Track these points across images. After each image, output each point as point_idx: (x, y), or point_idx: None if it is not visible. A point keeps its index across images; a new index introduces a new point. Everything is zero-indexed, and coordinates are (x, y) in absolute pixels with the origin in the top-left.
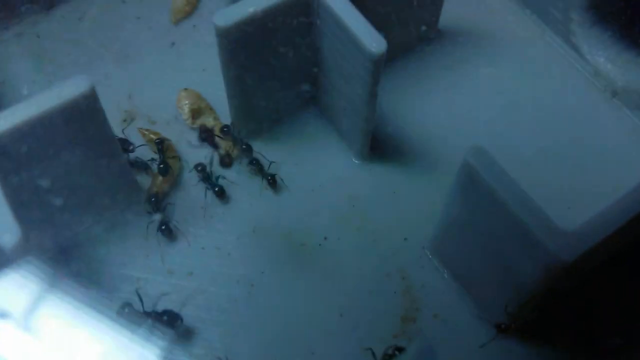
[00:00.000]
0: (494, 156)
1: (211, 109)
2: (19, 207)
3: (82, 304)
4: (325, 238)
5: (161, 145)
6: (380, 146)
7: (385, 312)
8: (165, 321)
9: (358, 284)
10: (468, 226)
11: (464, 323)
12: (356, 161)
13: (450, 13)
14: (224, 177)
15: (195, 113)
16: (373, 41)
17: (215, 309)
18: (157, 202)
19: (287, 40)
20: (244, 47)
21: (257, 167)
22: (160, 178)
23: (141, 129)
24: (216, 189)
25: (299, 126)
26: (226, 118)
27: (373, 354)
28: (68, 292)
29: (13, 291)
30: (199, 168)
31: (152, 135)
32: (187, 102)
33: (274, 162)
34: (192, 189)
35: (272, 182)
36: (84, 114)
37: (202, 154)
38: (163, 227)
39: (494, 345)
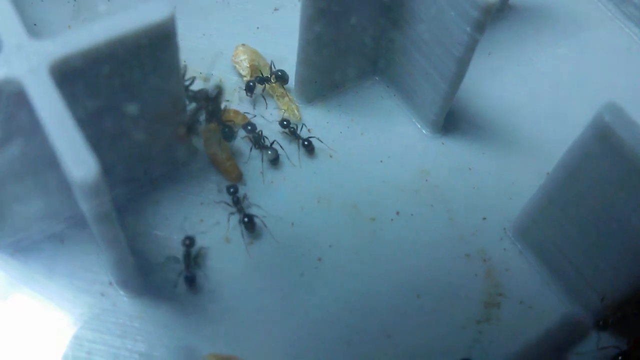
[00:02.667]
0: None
1: (270, 67)
2: (94, 139)
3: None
4: (398, 213)
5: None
6: (452, 119)
7: (466, 295)
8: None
9: (436, 264)
10: (577, 202)
11: (554, 312)
12: (426, 132)
13: None
14: (281, 147)
15: (253, 70)
16: None
17: (278, 284)
18: (237, 199)
19: None
20: (328, 5)
21: (289, 130)
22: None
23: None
24: (269, 152)
25: (363, 94)
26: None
27: None
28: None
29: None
30: (248, 127)
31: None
32: (244, 57)
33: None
34: (250, 153)
35: (309, 146)
36: (165, 39)
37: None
38: (246, 220)
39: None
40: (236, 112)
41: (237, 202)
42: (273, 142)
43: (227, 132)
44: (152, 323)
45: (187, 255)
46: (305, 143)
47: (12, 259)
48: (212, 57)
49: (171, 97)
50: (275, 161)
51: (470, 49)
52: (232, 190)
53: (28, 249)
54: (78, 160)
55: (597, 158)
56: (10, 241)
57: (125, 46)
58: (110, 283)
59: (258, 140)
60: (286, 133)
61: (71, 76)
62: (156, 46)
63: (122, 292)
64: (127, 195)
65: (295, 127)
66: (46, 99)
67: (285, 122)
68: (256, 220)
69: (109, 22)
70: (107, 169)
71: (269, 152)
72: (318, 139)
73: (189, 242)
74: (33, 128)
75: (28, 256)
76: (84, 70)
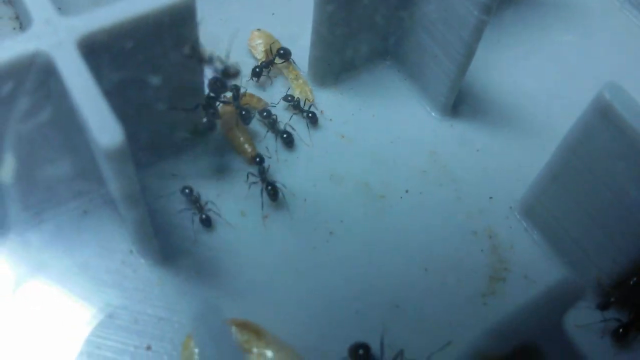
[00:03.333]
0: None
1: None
2: (119, 108)
3: (73, 287)
4: (407, 191)
5: (237, 92)
6: (461, 103)
7: (472, 270)
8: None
9: (443, 240)
10: (579, 179)
11: (557, 286)
12: (436, 115)
13: None
14: (293, 129)
15: (269, 54)
16: None
17: (292, 256)
18: (263, 169)
19: None
20: None
21: (268, 120)
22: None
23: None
24: (284, 136)
25: (375, 77)
26: (298, 61)
27: None
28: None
29: (7, 271)
30: (264, 114)
31: None
32: (260, 41)
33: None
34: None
35: (313, 118)
36: (185, 17)
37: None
38: (269, 188)
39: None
40: (252, 96)
41: (262, 172)
42: (286, 129)
43: (245, 116)
44: (171, 289)
45: (196, 200)
46: (310, 115)
47: (37, 229)
48: (229, 40)
49: (190, 71)
50: (289, 144)
51: (477, 32)
52: (258, 160)
53: (53, 219)
54: (104, 127)
55: (598, 134)
56: (36, 211)
57: (148, 24)
58: (131, 251)
59: (273, 125)
60: (291, 108)
61: (97, 50)
62: (177, 24)
63: (142, 260)
64: (148, 166)
65: (298, 101)
66: (74, 71)
67: (289, 97)
68: (279, 187)
69: (133, 1)
70: (130, 137)
71: (285, 136)
72: (321, 112)
73: (189, 190)
74: (61, 98)
75: (53, 226)
76: (109, 45)
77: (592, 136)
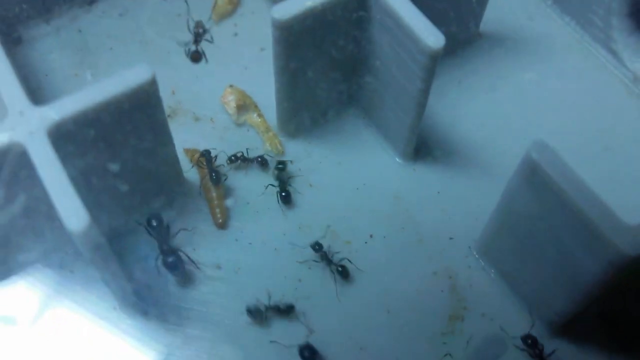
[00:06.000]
0: (556, 152)
1: (256, 105)
2: (85, 192)
3: (87, 311)
4: (371, 236)
5: (209, 156)
6: (423, 147)
7: (433, 310)
8: (165, 263)
9: (405, 282)
10: (524, 223)
11: (512, 322)
12: (399, 161)
13: (490, 18)
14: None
15: (240, 109)
16: (431, 35)
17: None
18: None
19: (343, 34)
20: (299, 41)
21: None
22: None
23: (186, 149)
24: (283, 194)
25: (341, 125)
26: (268, 115)
27: None
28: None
29: (20, 297)
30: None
31: (195, 155)
32: (232, 97)
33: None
34: (240, 184)
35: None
36: (147, 101)
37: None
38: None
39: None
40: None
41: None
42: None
43: (214, 178)
44: (150, 341)
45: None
46: (259, 159)
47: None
48: (202, 97)
49: (155, 151)
50: (264, 164)
51: (424, 90)
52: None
53: (40, 278)
54: (71, 212)
55: (527, 192)
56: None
57: (109, 111)
58: (114, 308)
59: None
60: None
61: (65, 138)
62: (139, 107)
63: (125, 315)
64: (124, 229)
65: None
66: (45, 160)
67: (232, 157)
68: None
69: (95, 88)
70: (106, 210)
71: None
72: (291, 161)
73: (156, 221)
74: (32, 186)
75: (39, 284)
76: (74, 133)
77: (527, 190)
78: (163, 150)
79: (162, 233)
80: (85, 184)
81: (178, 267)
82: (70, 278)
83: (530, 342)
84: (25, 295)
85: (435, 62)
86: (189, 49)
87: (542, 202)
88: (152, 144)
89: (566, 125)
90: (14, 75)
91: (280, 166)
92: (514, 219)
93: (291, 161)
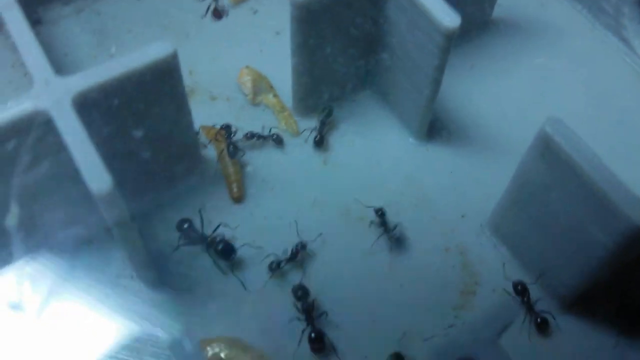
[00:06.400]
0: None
1: (271, 86)
2: (108, 158)
3: (93, 298)
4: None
5: (229, 129)
6: (437, 128)
7: (444, 285)
8: (220, 250)
9: (417, 257)
10: (536, 198)
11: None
12: (412, 141)
13: (503, 3)
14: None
15: (256, 89)
16: (447, 15)
17: (279, 276)
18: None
19: (360, 12)
20: (317, 19)
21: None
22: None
23: (203, 127)
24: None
25: (355, 105)
26: (283, 95)
27: None
28: (80, 286)
29: (27, 284)
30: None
31: (212, 132)
32: (248, 78)
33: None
34: (255, 160)
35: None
36: (168, 73)
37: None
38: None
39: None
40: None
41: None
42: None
43: (232, 150)
44: (167, 311)
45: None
46: (274, 137)
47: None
48: (219, 77)
49: (175, 121)
50: (279, 141)
51: (439, 69)
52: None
53: (60, 251)
54: (96, 176)
55: (542, 167)
56: (37, 242)
57: (132, 81)
58: (132, 277)
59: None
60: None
61: (89, 106)
62: (159, 80)
63: (142, 284)
64: (143, 200)
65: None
66: (69, 126)
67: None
68: None
69: (119, 61)
70: (128, 179)
71: (274, 137)
72: (305, 141)
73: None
74: (58, 151)
75: (60, 257)
76: (100, 102)
77: (536, 168)
78: (182, 121)
79: (197, 232)
80: (109, 152)
81: (233, 251)
82: (87, 249)
83: (519, 289)
84: (45, 266)
85: (450, 42)
86: (209, 7)
87: (555, 176)
88: (172, 114)
89: (577, 109)
90: (38, 46)
91: (326, 110)
92: (527, 194)
93: (305, 141)
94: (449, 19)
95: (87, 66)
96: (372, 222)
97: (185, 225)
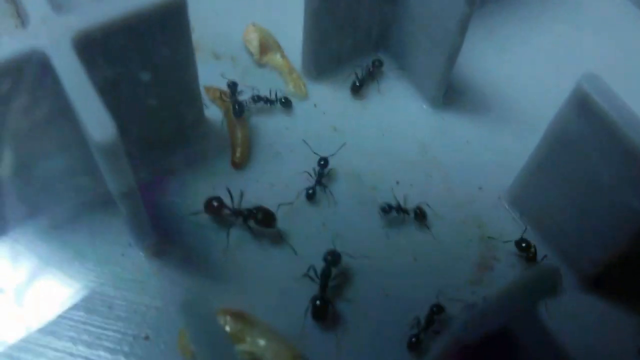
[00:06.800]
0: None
1: (279, 45)
2: (112, 104)
3: (74, 280)
4: (398, 182)
5: (234, 87)
6: (452, 95)
7: (460, 258)
8: (261, 219)
9: (432, 229)
10: (566, 163)
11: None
12: (427, 108)
13: None
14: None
15: (263, 49)
16: None
17: (285, 246)
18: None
19: None
20: None
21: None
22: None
23: (207, 87)
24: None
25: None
26: (292, 55)
27: (419, 321)
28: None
29: (7, 266)
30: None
31: (216, 93)
32: (255, 36)
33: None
34: (261, 124)
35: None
36: (177, 14)
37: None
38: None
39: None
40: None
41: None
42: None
43: (237, 109)
44: (167, 280)
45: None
46: (283, 100)
47: (35, 223)
48: (223, 34)
49: (182, 67)
50: (287, 104)
51: (463, 23)
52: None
53: (51, 213)
54: (98, 123)
55: (577, 124)
56: (33, 205)
57: (140, 21)
58: (130, 244)
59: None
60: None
61: (91, 47)
62: (168, 20)
63: (140, 252)
64: (144, 162)
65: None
66: (69, 69)
67: (322, 161)
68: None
69: None
70: (123, 131)
71: (283, 100)
72: (314, 105)
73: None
74: (57, 95)
75: (51, 219)
76: (103, 42)
77: (571, 126)
78: (188, 69)
79: (229, 208)
80: (109, 99)
81: (274, 217)
82: (83, 213)
83: (524, 246)
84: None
85: None
86: None
87: (590, 135)
88: (179, 59)
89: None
90: None
91: (322, 162)
92: (556, 157)
93: (315, 104)
94: None
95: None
96: (383, 209)
97: (215, 204)
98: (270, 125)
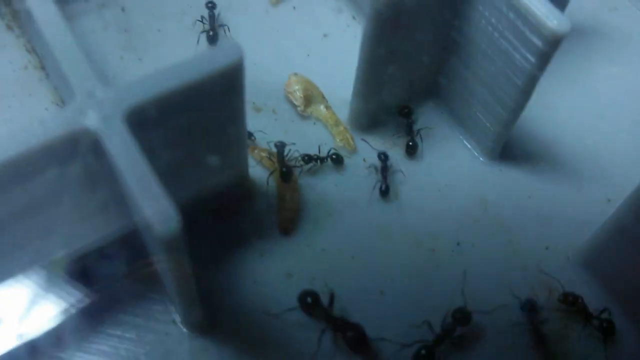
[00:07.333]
0: None
1: (323, 96)
2: (172, 188)
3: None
4: (458, 244)
5: (282, 148)
6: (509, 145)
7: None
8: (349, 340)
9: (499, 297)
10: None
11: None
12: (483, 160)
13: (571, 10)
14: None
15: (307, 99)
16: (554, 17)
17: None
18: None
19: (442, 14)
20: (393, 26)
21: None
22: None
23: (252, 147)
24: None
25: (419, 120)
26: (336, 106)
27: (430, 326)
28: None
29: (8, 297)
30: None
31: (262, 153)
32: (298, 87)
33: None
34: (306, 188)
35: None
36: (234, 83)
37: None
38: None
39: None
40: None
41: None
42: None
43: (284, 173)
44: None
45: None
46: (334, 157)
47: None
48: (263, 86)
49: (235, 139)
50: (338, 161)
51: (533, 79)
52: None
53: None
54: (159, 212)
55: None
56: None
57: (200, 92)
58: (174, 321)
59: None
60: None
61: (144, 123)
62: (226, 90)
63: (185, 330)
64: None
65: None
66: (123, 149)
67: (382, 156)
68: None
69: (179, 68)
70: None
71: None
72: (364, 159)
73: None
74: (109, 180)
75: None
76: (158, 118)
77: None
78: (237, 137)
79: (323, 309)
80: (173, 178)
81: (366, 343)
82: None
83: (571, 300)
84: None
85: (555, 49)
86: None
87: None
88: (230, 128)
89: None
90: (77, 49)
91: (382, 157)
92: (632, 228)
93: (364, 159)
94: (557, 22)
95: (113, 70)
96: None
97: (309, 299)
98: (318, 184)
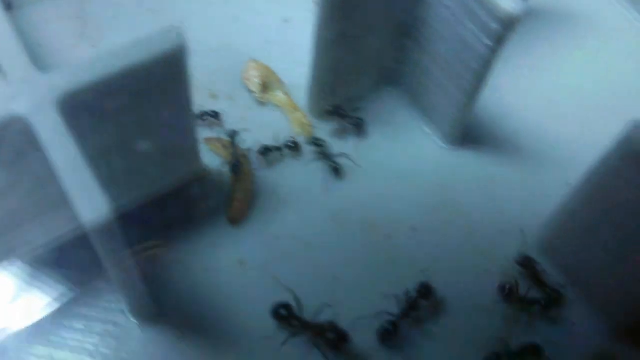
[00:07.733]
0: None
1: (281, 82)
2: (103, 174)
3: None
4: (414, 229)
5: (234, 138)
6: (469, 130)
7: (487, 311)
8: (331, 340)
9: (453, 281)
10: (603, 219)
11: (589, 332)
12: (444, 145)
13: None
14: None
15: (265, 86)
16: (509, 0)
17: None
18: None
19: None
20: (346, 7)
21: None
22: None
23: (208, 139)
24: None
25: (378, 106)
26: (295, 93)
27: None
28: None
29: None
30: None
31: (217, 143)
32: (256, 73)
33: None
34: (262, 175)
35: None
36: (176, 69)
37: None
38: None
39: None
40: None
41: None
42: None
43: (235, 165)
44: (164, 349)
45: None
46: (336, 167)
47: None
48: (220, 73)
49: (182, 129)
50: (296, 149)
51: (489, 63)
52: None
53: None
54: (89, 202)
55: (626, 177)
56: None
57: (137, 78)
58: (123, 311)
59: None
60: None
61: (79, 111)
62: (168, 76)
63: (134, 320)
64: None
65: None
66: (55, 137)
67: (318, 141)
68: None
69: (116, 53)
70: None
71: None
72: (349, 157)
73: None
74: (40, 168)
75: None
76: (93, 104)
77: (618, 179)
78: (185, 126)
79: (299, 318)
80: (97, 165)
81: (347, 339)
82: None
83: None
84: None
85: (509, 32)
86: None
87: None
88: (175, 117)
89: (615, 108)
90: (13, 36)
91: (319, 143)
92: (595, 208)
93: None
94: (512, 3)
95: (65, 58)
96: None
97: (283, 312)
98: (274, 171)
